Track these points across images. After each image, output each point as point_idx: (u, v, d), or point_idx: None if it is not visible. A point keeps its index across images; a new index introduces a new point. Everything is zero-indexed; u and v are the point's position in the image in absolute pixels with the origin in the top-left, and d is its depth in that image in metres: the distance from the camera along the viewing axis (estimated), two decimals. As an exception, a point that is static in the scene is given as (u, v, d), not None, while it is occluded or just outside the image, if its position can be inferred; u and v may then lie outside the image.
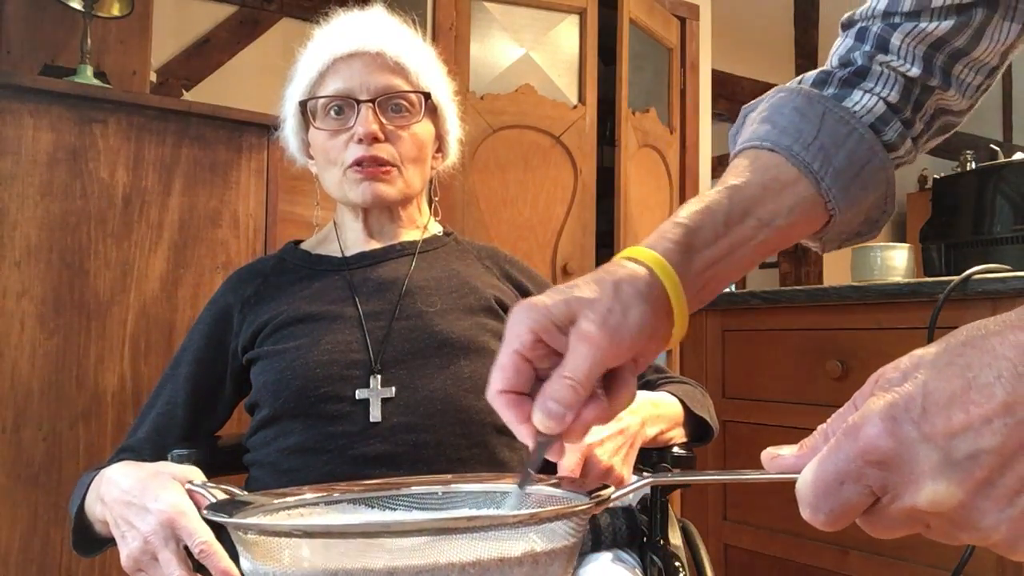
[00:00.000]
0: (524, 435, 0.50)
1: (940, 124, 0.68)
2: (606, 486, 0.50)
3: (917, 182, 5.74)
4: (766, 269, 5.50)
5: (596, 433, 0.84)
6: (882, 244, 1.84)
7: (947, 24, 0.62)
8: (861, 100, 0.63)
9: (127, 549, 0.77)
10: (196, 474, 0.82)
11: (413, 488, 0.58)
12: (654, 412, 0.95)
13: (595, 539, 1.00)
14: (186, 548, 0.74)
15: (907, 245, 1.85)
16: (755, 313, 1.73)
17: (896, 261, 1.81)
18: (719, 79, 3.98)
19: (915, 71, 0.63)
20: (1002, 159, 1.93)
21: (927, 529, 0.37)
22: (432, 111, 1.09)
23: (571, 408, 0.48)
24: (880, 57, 0.64)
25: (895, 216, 6.12)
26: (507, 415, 0.51)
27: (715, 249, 0.56)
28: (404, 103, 1.05)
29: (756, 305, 1.72)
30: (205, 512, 0.48)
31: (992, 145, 2.19)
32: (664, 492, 1.00)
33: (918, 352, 0.36)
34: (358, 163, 1.02)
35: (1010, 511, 0.33)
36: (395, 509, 0.57)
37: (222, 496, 0.72)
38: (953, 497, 0.34)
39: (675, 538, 1.02)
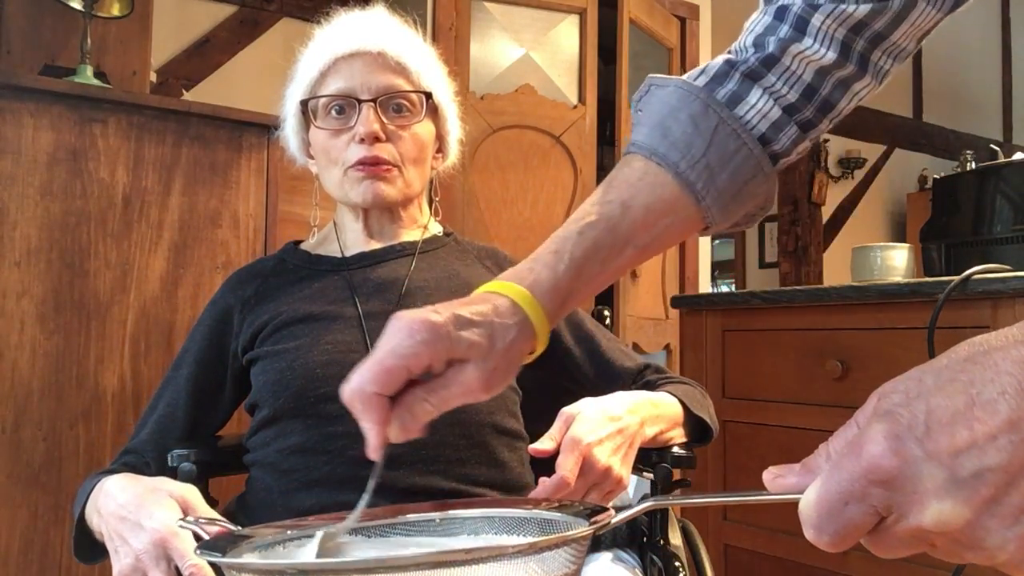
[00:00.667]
0: (376, 435, 0.53)
1: (849, 110, 0.68)
2: (605, 509, 0.50)
3: (917, 182, 5.75)
4: (766, 269, 5.50)
5: (595, 433, 0.84)
6: (882, 244, 1.84)
7: (867, 6, 0.61)
8: (757, 104, 0.63)
9: (119, 565, 0.77)
10: (193, 493, 0.81)
11: (410, 516, 0.58)
12: (654, 412, 0.95)
13: (595, 539, 1.00)
14: (177, 569, 0.74)
15: (907, 245, 1.84)
16: (755, 313, 1.73)
17: (896, 261, 1.81)
18: (719, 79, 3.98)
19: (831, 56, 0.62)
20: (1002, 159, 1.93)
21: (932, 548, 0.36)
22: (433, 111, 1.09)
23: (423, 425, 0.54)
24: (794, 47, 0.63)
25: (895, 216, 6.11)
26: (368, 415, 0.52)
27: (588, 287, 0.61)
28: (405, 103, 1.05)
29: (756, 305, 1.72)
30: (197, 551, 0.48)
31: (992, 145, 2.19)
32: (664, 492, 1.00)
33: (920, 369, 0.36)
34: (359, 163, 1.02)
35: (1017, 529, 0.33)
36: (397, 537, 0.57)
37: (215, 529, 0.71)
38: (959, 516, 0.33)
39: (675, 538, 1.02)
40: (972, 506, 0.33)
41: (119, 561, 0.77)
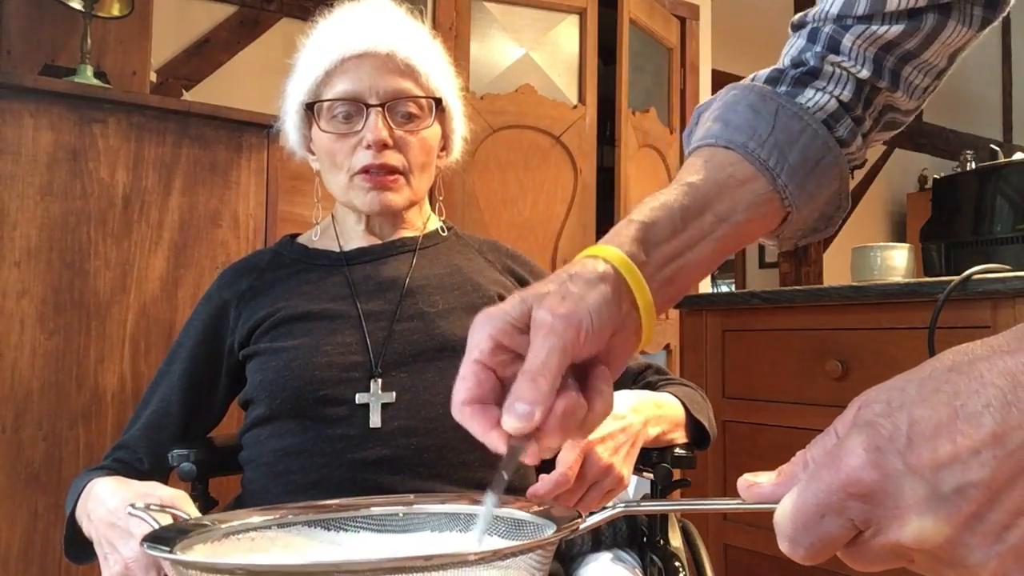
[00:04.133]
0: (494, 442, 0.48)
1: (887, 121, 0.67)
2: (578, 514, 0.48)
3: (917, 182, 5.74)
4: (766, 269, 5.50)
5: (596, 430, 0.84)
6: (882, 244, 1.84)
7: (898, 28, 0.61)
8: (814, 97, 0.63)
9: (108, 572, 0.77)
10: (183, 499, 0.80)
11: (373, 509, 0.55)
12: (657, 412, 0.94)
13: (595, 539, 1.00)
14: None
15: (907, 245, 1.84)
16: (755, 313, 1.73)
17: (896, 261, 1.81)
18: (719, 79, 3.98)
19: (865, 72, 0.63)
20: (1002, 159, 1.93)
21: (911, 564, 0.35)
22: (440, 112, 1.07)
23: (537, 404, 0.45)
24: (831, 57, 0.63)
25: (895, 216, 6.11)
26: (474, 426, 0.48)
27: (673, 244, 0.55)
28: (414, 108, 1.03)
29: (756, 305, 1.72)
30: (143, 545, 0.45)
31: (992, 145, 2.19)
32: (664, 492, 1.00)
33: (902, 377, 0.35)
34: (366, 170, 1.00)
35: (998, 547, 0.32)
36: (358, 531, 0.54)
37: (167, 521, 0.68)
38: (940, 533, 0.32)
39: (675, 538, 1.02)
40: (953, 523, 0.32)
41: (108, 568, 0.77)
